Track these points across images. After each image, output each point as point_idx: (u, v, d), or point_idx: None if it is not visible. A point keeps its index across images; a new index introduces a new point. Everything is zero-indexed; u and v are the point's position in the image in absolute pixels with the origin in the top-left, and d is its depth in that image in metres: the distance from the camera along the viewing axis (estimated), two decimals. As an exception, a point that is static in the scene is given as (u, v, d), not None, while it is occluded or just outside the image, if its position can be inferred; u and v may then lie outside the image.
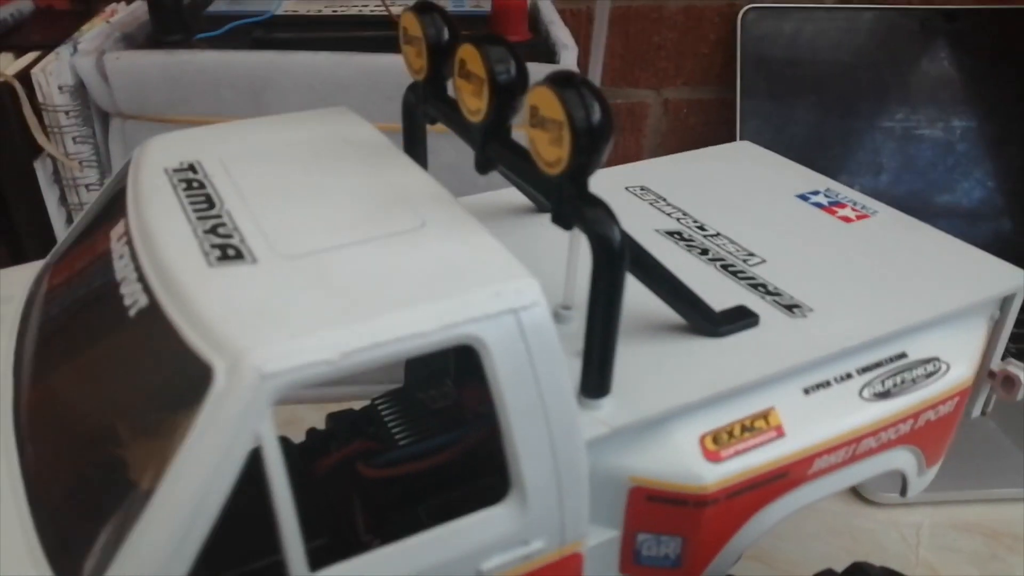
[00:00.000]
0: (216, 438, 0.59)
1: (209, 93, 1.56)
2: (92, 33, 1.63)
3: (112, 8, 1.79)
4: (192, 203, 0.80)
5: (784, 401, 0.89)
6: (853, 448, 0.92)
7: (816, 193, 1.26)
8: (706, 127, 2.34)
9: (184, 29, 1.66)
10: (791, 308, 0.97)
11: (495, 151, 0.88)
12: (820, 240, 1.12)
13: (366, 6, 1.91)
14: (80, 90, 1.55)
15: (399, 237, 0.74)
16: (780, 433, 0.87)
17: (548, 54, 1.66)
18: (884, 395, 0.93)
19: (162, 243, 0.74)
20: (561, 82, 0.72)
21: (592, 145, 0.72)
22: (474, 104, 0.86)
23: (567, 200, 0.77)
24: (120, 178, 0.97)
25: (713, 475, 0.83)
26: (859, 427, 0.91)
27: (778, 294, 0.99)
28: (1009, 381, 1.12)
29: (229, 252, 0.72)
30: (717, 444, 0.84)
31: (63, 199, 1.58)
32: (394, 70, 1.55)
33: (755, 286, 1.01)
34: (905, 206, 1.23)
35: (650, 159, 1.37)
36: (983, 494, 1.57)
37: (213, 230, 0.75)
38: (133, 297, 0.72)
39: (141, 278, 0.73)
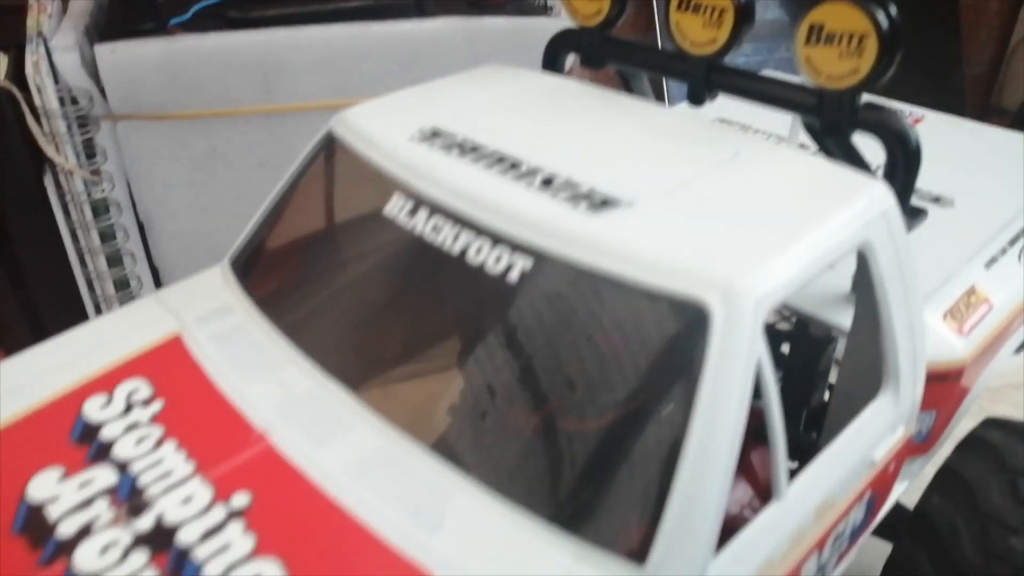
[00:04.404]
0: (728, 370, 0.59)
1: (215, 82, 1.43)
2: (48, 27, 1.43)
3: (41, 1, 1.57)
4: (489, 164, 0.76)
5: (978, 278, 1.00)
6: (1029, 309, 1.05)
7: (865, 104, 1.38)
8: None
9: (156, 16, 1.49)
10: (936, 200, 1.08)
11: (719, 79, 0.90)
12: None
13: (319, -24, 1.81)
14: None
15: (733, 165, 0.76)
16: (990, 305, 0.98)
17: (540, 8, 1.67)
18: (1036, 260, 1.07)
19: (513, 204, 0.70)
20: (860, -6, 0.76)
21: (894, 53, 0.77)
22: (705, 36, 0.88)
23: (849, 110, 0.81)
24: (311, 161, 0.90)
25: (965, 348, 0.92)
26: (1033, 289, 1.04)
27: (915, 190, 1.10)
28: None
29: (596, 200, 0.70)
30: (957, 321, 0.93)
31: (67, 216, 1.39)
32: (411, 39, 1.51)
33: (893, 186, 1.11)
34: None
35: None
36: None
37: (548, 184, 0.73)
38: (505, 262, 0.68)
39: (502, 241, 0.69)
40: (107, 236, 1.47)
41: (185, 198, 1.52)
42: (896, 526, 1.04)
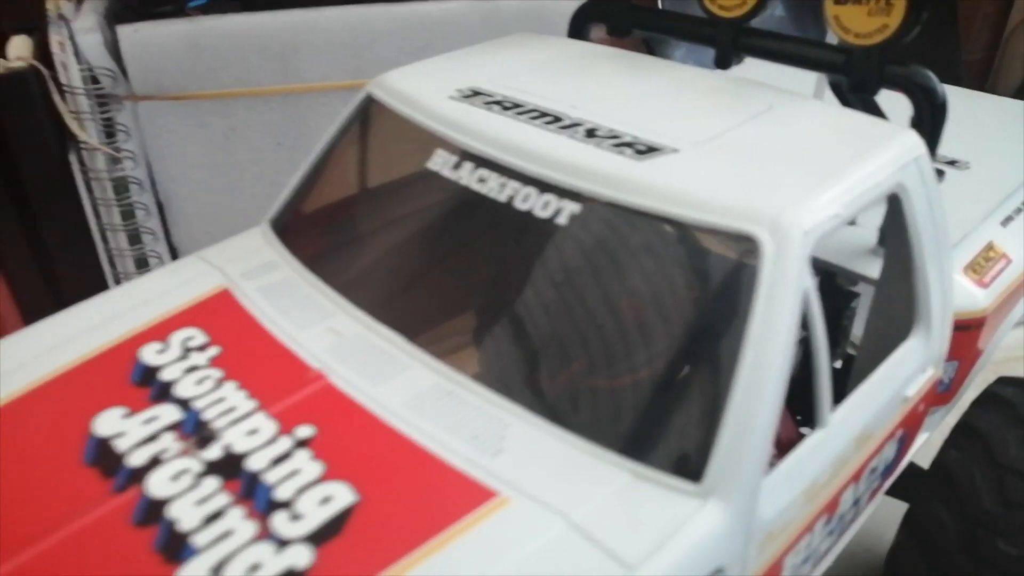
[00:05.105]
0: (778, 298, 0.62)
1: (236, 62, 1.44)
2: (68, 9, 1.45)
3: (56, -15, 1.59)
4: (531, 119, 0.78)
5: (995, 234, 1.03)
6: (1043, 264, 1.08)
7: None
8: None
9: (174, -1, 1.51)
10: (952, 163, 1.11)
11: (747, 42, 0.93)
12: None
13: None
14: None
15: (769, 116, 0.78)
16: (1008, 260, 1.01)
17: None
18: (1047, 221, 1.10)
19: (559, 153, 0.72)
20: (888, -47, 0.79)
21: (922, 9, 0.79)
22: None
23: (876, 67, 0.84)
24: (349, 124, 0.92)
25: (986, 298, 0.95)
26: (1047, 247, 1.07)
27: None
28: None
29: (639, 148, 0.72)
30: (977, 273, 0.96)
31: (90, 193, 1.40)
32: (427, 19, 1.53)
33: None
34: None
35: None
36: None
37: (592, 135, 0.75)
38: (552, 207, 0.71)
39: (550, 188, 0.71)
40: (128, 214, 1.49)
41: (203, 177, 1.53)
42: (912, 486, 1.07)
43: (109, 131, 1.43)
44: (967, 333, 0.95)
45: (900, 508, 1.09)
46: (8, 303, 1.35)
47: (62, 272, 1.40)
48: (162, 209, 1.55)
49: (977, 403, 1.12)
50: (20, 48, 1.29)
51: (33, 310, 1.43)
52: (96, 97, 1.40)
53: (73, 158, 1.35)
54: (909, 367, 0.79)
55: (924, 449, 1.02)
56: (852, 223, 0.94)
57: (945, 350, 0.85)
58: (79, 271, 1.41)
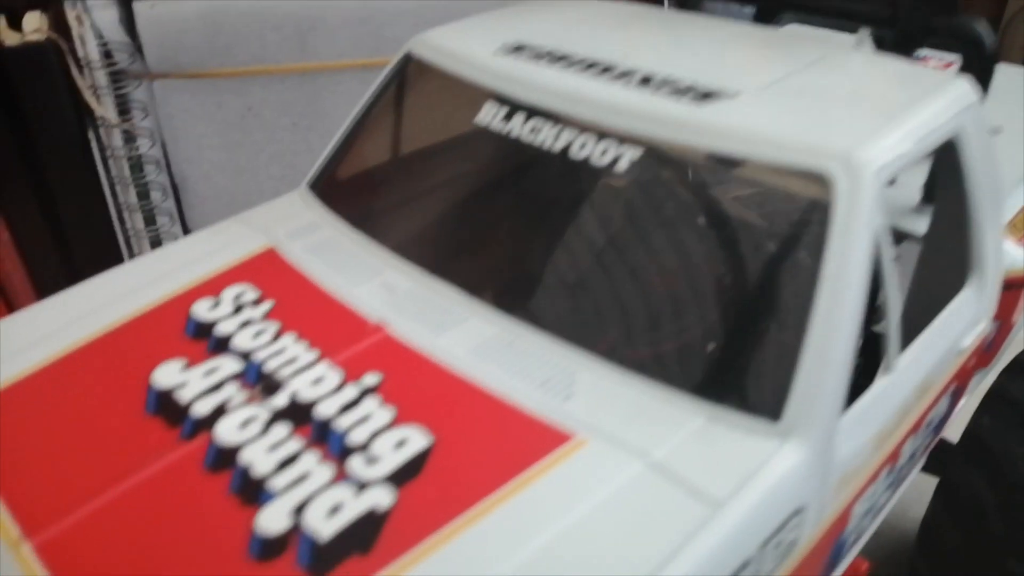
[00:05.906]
0: (852, 235, 0.61)
1: (253, 40, 1.43)
2: (82, -11, 1.43)
3: (67, -34, 1.56)
4: (581, 69, 0.77)
5: (1029, 197, 1.03)
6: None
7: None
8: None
9: (188, -23, 1.49)
10: (983, 129, 1.11)
11: (789, -2, 0.93)
12: None
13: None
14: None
15: (822, 64, 0.78)
16: (1046, 222, 1.00)
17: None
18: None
19: (616, 99, 0.72)
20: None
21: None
22: (776, -46, 0.90)
23: (923, 18, 0.84)
24: (388, 83, 0.91)
25: (1028, 257, 0.95)
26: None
27: None
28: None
29: (699, 93, 0.72)
30: (1018, 231, 0.96)
31: (107, 172, 1.38)
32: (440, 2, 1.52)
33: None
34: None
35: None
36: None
37: (647, 82, 0.74)
38: (612, 153, 0.70)
39: (608, 135, 0.70)
40: (143, 194, 1.47)
41: (218, 158, 1.52)
42: (942, 458, 1.06)
43: (123, 108, 1.41)
44: (1009, 292, 0.94)
45: (925, 483, 1.09)
46: (23, 279, 1.33)
47: (78, 251, 1.38)
48: (177, 190, 1.53)
49: (1007, 371, 1.12)
50: (35, 23, 1.27)
51: (49, 288, 1.41)
52: (110, 74, 1.38)
53: (91, 135, 1.33)
54: (964, 318, 0.79)
55: (951, 427, 1.02)
56: (891, 182, 0.94)
57: (995, 303, 0.85)
58: (95, 251, 1.39)
